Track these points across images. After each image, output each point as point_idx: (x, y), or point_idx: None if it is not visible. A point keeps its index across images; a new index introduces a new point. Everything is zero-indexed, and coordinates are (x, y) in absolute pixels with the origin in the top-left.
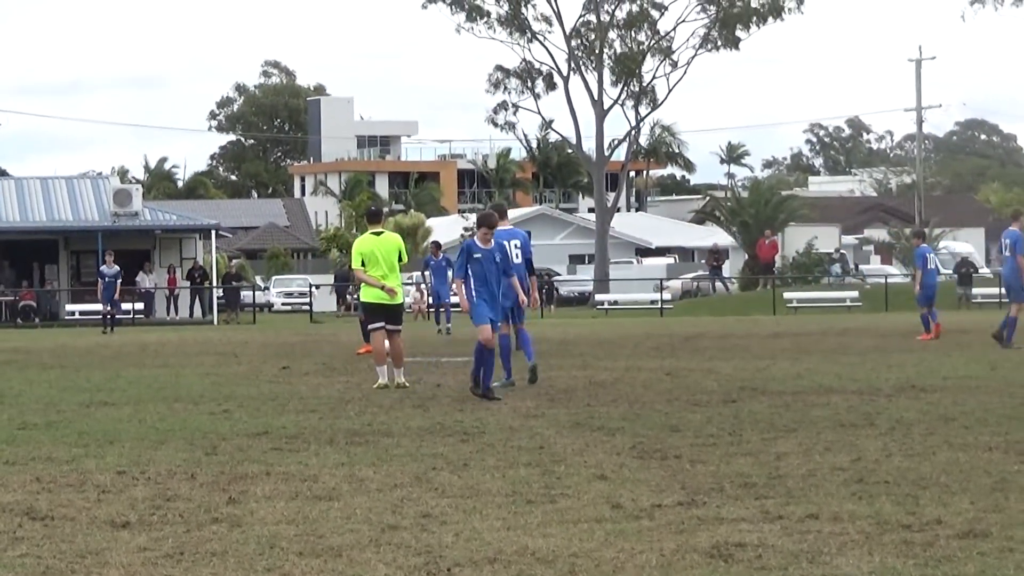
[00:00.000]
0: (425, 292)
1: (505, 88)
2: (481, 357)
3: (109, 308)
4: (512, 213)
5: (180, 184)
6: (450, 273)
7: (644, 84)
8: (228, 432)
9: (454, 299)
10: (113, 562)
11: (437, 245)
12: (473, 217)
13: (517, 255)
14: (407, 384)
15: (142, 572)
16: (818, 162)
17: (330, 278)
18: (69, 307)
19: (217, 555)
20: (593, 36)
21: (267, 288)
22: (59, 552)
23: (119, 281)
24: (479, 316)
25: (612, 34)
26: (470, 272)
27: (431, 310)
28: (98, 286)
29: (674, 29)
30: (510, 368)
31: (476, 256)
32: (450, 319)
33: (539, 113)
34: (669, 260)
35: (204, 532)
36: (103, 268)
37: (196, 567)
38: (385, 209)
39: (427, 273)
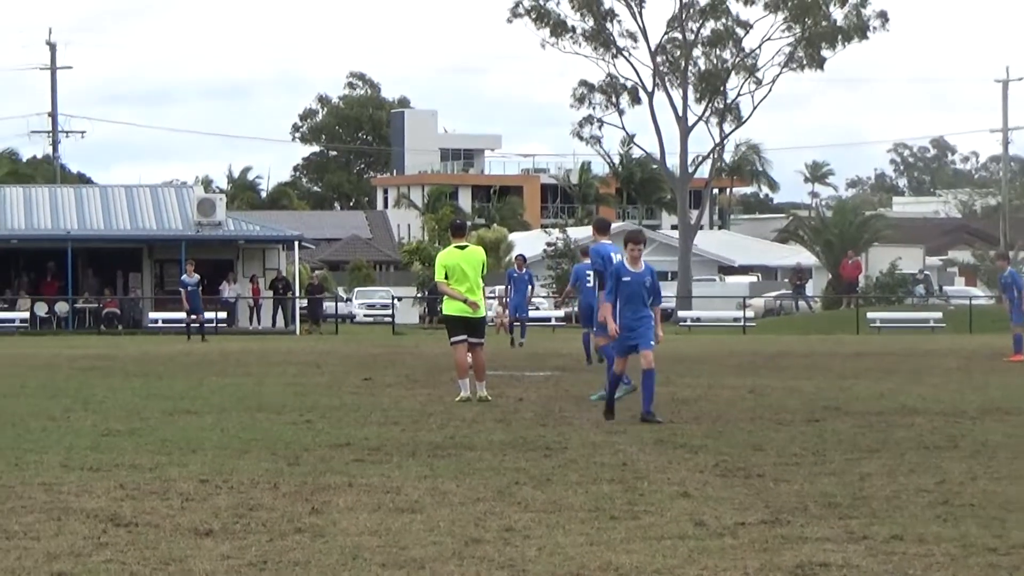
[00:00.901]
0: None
1: (589, 103)
2: (614, 386)
3: (196, 316)
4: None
5: (263, 195)
6: (530, 288)
7: (728, 101)
8: (311, 443)
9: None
10: (196, 569)
11: (523, 259)
12: (556, 232)
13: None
14: (489, 398)
15: None
16: (902, 182)
17: (412, 290)
18: (152, 315)
19: (300, 565)
20: (678, 53)
21: (349, 299)
22: (143, 559)
23: (200, 290)
24: (619, 347)
25: (697, 51)
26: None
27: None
28: (183, 295)
29: (759, 47)
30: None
31: (625, 279)
32: (525, 334)
33: (623, 128)
34: (752, 278)
35: (287, 542)
36: (184, 278)
37: None
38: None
39: (508, 287)
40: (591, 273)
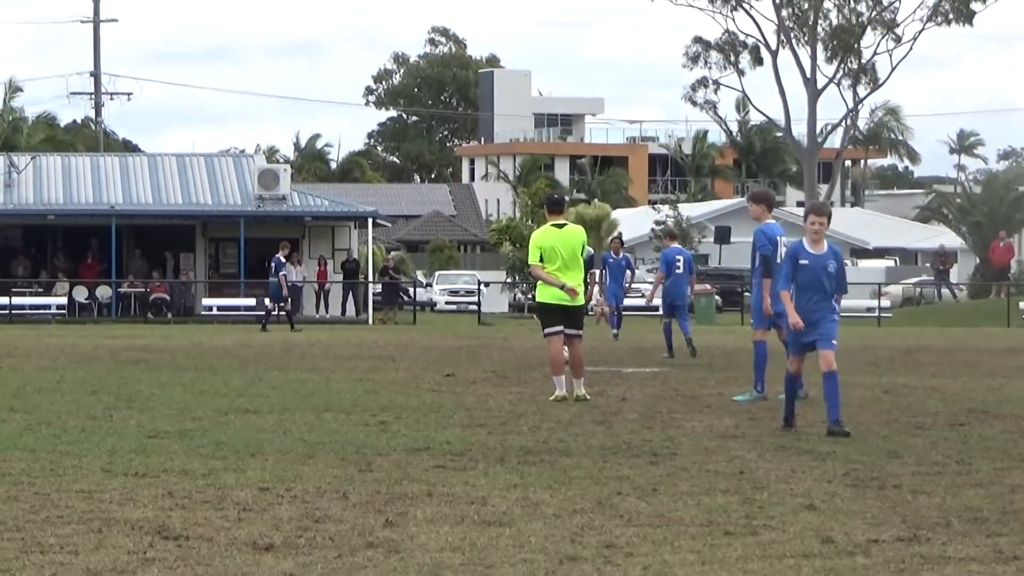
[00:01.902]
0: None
1: (705, 62)
2: (791, 391)
3: (282, 304)
4: (709, 205)
5: (333, 165)
6: (628, 274)
7: (863, 61)
8: (384, 447)
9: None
10: None
11: (620, 241)
12: (666, 209)
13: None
14: (588, 397)
15: None
16: None
17: (501, 275)
18: (206, 301)
19: None
20: (806, 5)
21: (430, 284)
22: None
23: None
24: (793, 346)
25: (828, 3)
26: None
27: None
28: (280, 280)
29: None
30: (763, 380)
31: (803, 262)
32: (620, 324)
33: (743, 91)
34: (889, 263)
35: (357, 558)
36: (280, 257)
37: None
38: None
39: (603, 272)
40: (680, 258)
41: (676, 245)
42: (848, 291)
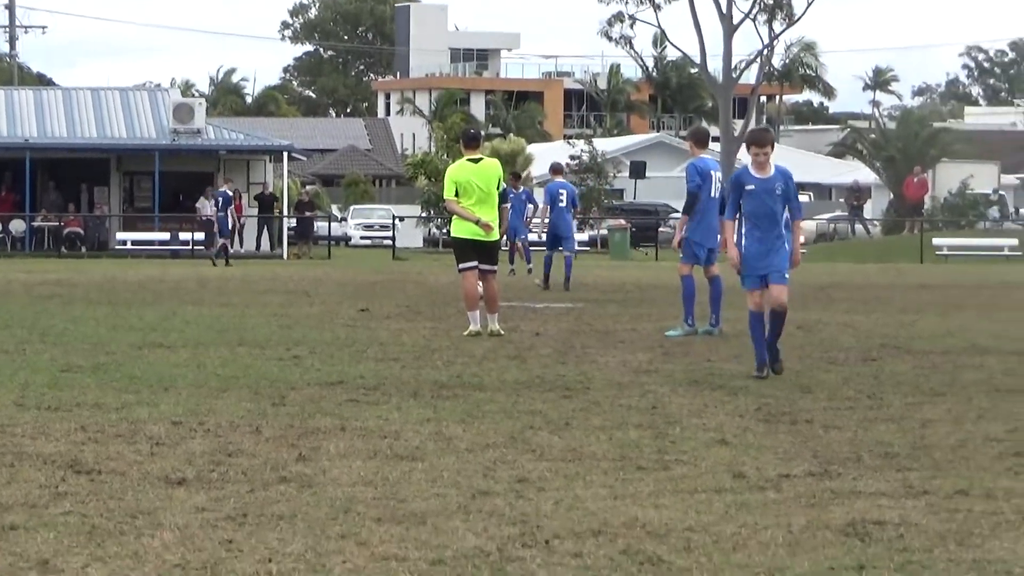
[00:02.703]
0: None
1: None
2: (756, 331)
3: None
4: (624, 140)
5: (249, 100)
6: (530, 207)
7: None
8: (298, 381)
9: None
10: (167, 523)
11: (516, 176)
12: (581, 144)
13: None
14: (502, 332)
15: (200, 535)
16: (976, 90)
17: (416, 209)
18: (120, 235)
19: (285, 518)
20: None
21: (345, 219)
22: (107, 510)
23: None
24: (749, 278)
25: None
26: (741, 211)
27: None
28: (228, 213)
29: None
30: (692, 314)
31: (749, 188)
32: (530, 259)
33: (658, 26)
34: (803, 198)
35: (270, 492)
36: (224, 190)
37: (260, 531)
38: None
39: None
40: (563, 192)
41: (560, 179)
42: (802, 215)
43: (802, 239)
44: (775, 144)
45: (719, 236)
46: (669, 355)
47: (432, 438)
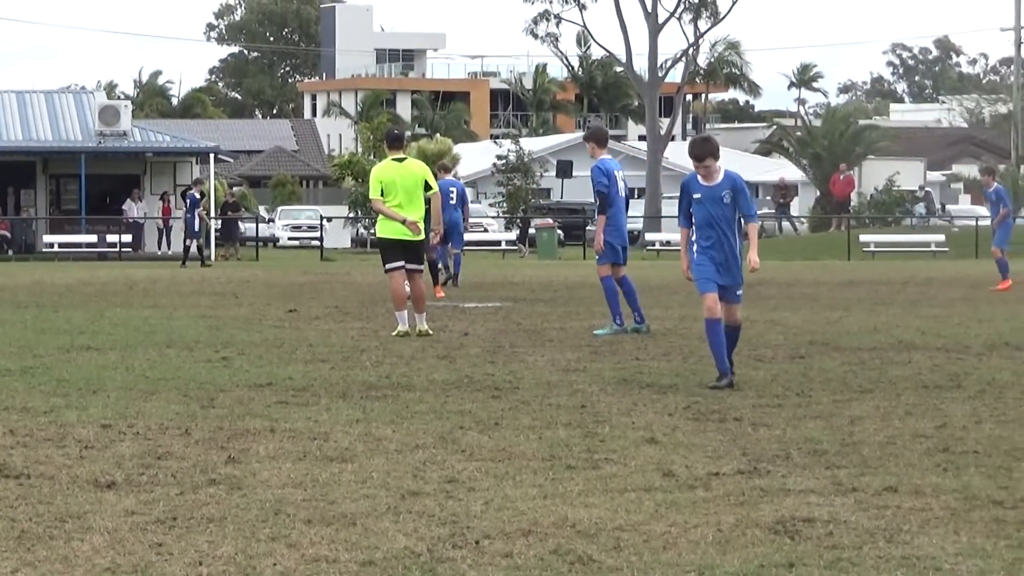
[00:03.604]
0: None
1: None
2: (715, 339)
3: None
4: (550, 140)
5: (175, 102)
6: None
7: None
8: (227, 383)
9: (478, 236)
10: (96, 527)
11: (444, 168)
12: (507, 144)
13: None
14: (430, 332)
15: (129, 538)
16: (901, 88)
17: (344, 210)
18: (47, 238)
19: (214, 521)
20: None
21: (272, 220)
22: (36, 515)
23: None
24: (703, 281)
25: None
26: (693, 220)
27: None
28: (195, 216)
29: None
30: (619, 312)
31: (696, 196)
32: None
33: (584, 26)
34: None
35: (200, 495)
36: (194, 194)
37: (190, 534)
38: (408, 133)
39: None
40: (453, 190)
41: (450, 177)
42: (756, 218)
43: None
44: (718, 151)
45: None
46: (598, 354)
47: (361, 439)
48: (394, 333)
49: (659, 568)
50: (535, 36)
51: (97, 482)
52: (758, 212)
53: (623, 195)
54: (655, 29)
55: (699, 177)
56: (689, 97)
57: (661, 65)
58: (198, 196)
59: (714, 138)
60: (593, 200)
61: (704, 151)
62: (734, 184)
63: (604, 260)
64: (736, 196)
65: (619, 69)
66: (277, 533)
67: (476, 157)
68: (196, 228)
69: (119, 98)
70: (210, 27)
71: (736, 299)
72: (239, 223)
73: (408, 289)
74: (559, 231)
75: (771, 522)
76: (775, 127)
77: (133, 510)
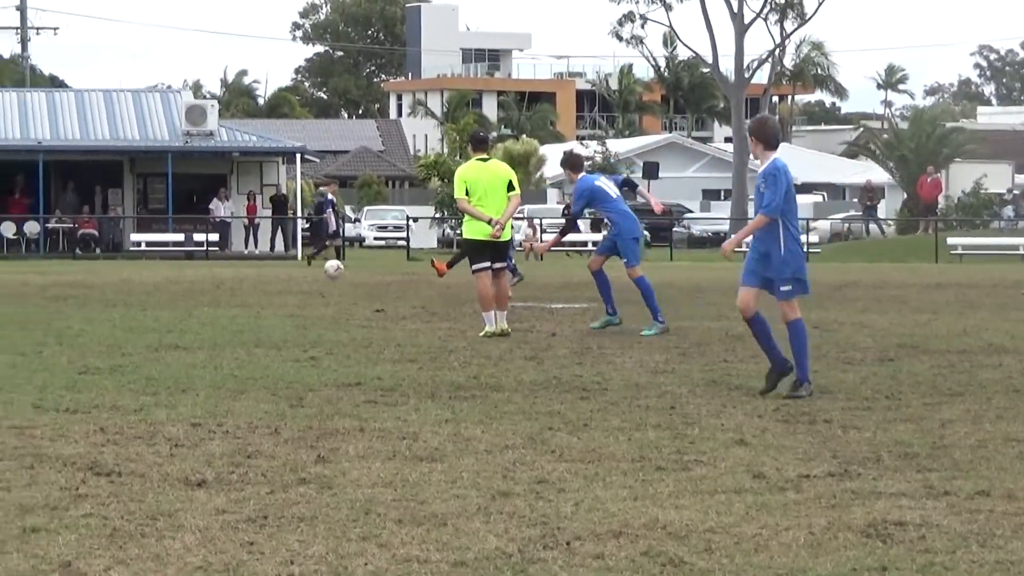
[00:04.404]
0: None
1: None
2: (757, 333)
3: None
4: (636, 141)
5: (261, 101)
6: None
7: None
8: (315, 382)
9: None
10: (188, 525)
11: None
12: (593, 145)
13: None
14: (509, 330)
15: (221, 537)
16: (989, 90)
17: (430, 210)
18: (134, 236)
19: (305, 520)
20: None
21: (358, 220)
22: (127, 512)
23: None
24: (742, 274)
25: None
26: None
27: None
28: (330, 216)
29: None
30: (658, 310)
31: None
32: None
33: (670, 26)
34: (816, 198)
35: (290, 494)
36: (330, 196)
37: (281, 533)
38: (493, 134)
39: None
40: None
41: None
42: (769, 210)
43: (815, 238)
44: (764, 133)
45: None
46: (686, 356)
47: (451, 439)
48: (481, 334)
49: (751, 571)
50: (620, 38)
51: (188, 480)
52: (846, 214)
53: (616, 196)
54: (741, 30)
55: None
56: (775, 99)
57: (747, 66)
58: (331, 197)
59: (771, 119)
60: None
61: (750, 129)
62: (765, 173)
63: (633, 263)
64: (764, 184)
65: (705, 70)
66: (368, 533)
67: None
68: (333, 227)
69: (205, 97)
70: (295, 26)
71: (781, 295)
72: (327, 224)
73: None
74: (646, 232)
75: (863, 525)
76: (862, 129)
77: (224, 508)
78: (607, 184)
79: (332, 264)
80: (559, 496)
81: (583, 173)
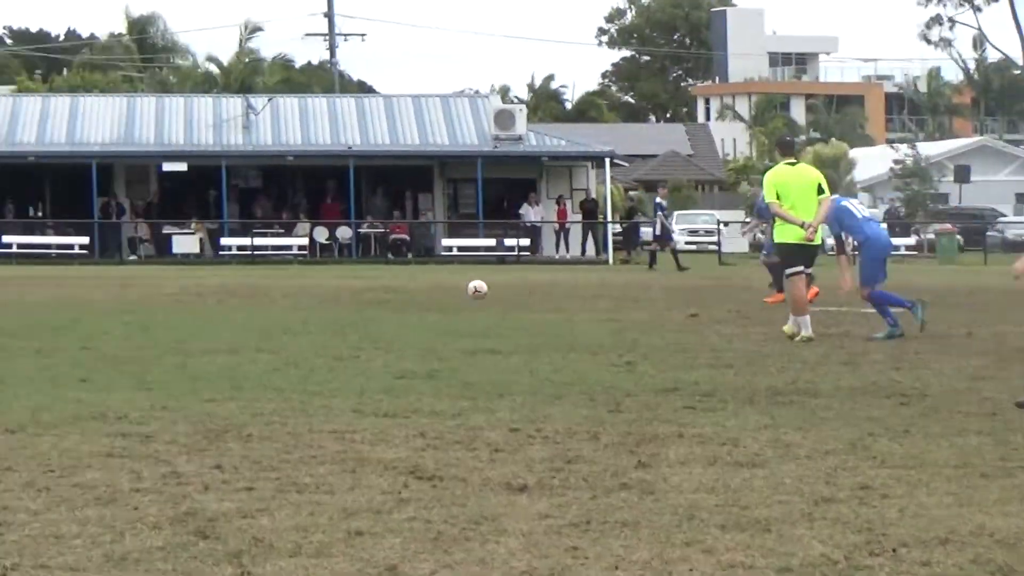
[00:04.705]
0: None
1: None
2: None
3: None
4: (947, 144)
5: (568, 105)
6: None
7: None
8: (632, 387)
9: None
10: (511, 529)
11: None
12: (904, 148)
13: None
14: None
15: (544, 541)
16: None
17: (740, 214)
18: (445, 242)
19: (628, 525)
20: None
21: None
22: (450, 516)
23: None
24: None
25: None
26: None
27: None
28: (659, 221)
29: None
30: (891, 313)
31: None
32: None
33: (978, 28)
34: None
35: (612, 499)
36: (659, 200)
37: (605, 538)
38: (802, 137)
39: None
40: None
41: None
42: None
43: None
44: None
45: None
46: (1005, 360)
47: (771, 445)
48: (797, 338)
49: None
50: (928, 41)
51: (509, 485)
52: None
53: (862, 216)
54: None
55: None
56: None
57: None
58: (663, 202)
59: None
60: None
61: None
62: None
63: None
64: None
65: (1017, 71)
66: (692, 538)
67: (872, 162)
68: (670, 231)
69: (513, 102)
70: (601, 31)
71: None
72: (638, 228)
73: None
74: (959, 236)
75: None
76: None
77: (546, 513)
78: (852, 205)
79: (474, 284)
80: (883, 502)
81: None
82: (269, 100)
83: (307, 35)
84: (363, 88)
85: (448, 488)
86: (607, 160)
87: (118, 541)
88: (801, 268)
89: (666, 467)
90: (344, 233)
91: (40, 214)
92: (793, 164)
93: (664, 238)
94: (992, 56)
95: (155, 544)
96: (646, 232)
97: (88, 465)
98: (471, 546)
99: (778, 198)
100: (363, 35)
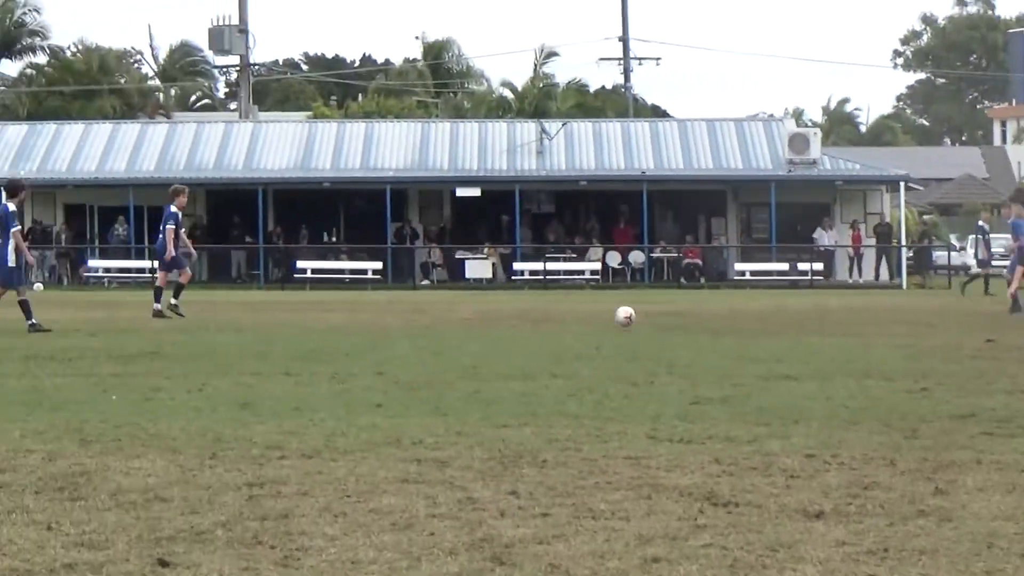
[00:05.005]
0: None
1: None
2: None
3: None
4: None
5: (862, 129)
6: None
7: None
8: (929, 413)
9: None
10: (808, 557)
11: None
12: None
13: None
14: None
15: (842, 569)
16: None
17: None
18: (738, 266)
19: (927, 553)
20: None
21: (963, 248)
22: (746, 543)
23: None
24: None
25: None
26: None
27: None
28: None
29: None
30: None
31: None
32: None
33: None
34: None
35: (909, 526)
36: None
37: (903, 566)
38: None
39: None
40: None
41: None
42: None
43: None
44: None
45: None
46: None
47: None
48: None
49: None
50: None
51: (805, 511)
52: None
53: None
54: None
55: None
56: None
57: None
58: (984, 224)
59: None
60: None
61: None
62: None
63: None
64: None
65: None
66: (992, 567)
67: None
68: (991, 255)
69: (807, 126)
70: (896, 54)
71: None
72: (932, 252)
73: None
74: None
75: None
76: None
77: (843, 540)
78: None
79: (623, 312)
80: None
81: None
82: (563, 125)
83: (601, 59)
84: (657, 112)
85: (744, 514)
86: (902, 184)
87: (415, 567)
88: None
89: (964, 494)
90: (637, 257)
91: (334, 239)
92: None
93: (986, 262)
94: None
95: (451, 570)
96: (939, 256)
97: (384, 491)
98: (768, 573)
99: None
100: (658, 59)
